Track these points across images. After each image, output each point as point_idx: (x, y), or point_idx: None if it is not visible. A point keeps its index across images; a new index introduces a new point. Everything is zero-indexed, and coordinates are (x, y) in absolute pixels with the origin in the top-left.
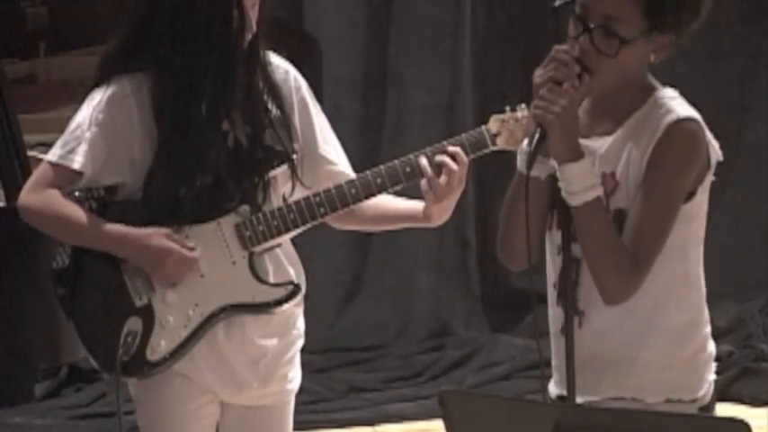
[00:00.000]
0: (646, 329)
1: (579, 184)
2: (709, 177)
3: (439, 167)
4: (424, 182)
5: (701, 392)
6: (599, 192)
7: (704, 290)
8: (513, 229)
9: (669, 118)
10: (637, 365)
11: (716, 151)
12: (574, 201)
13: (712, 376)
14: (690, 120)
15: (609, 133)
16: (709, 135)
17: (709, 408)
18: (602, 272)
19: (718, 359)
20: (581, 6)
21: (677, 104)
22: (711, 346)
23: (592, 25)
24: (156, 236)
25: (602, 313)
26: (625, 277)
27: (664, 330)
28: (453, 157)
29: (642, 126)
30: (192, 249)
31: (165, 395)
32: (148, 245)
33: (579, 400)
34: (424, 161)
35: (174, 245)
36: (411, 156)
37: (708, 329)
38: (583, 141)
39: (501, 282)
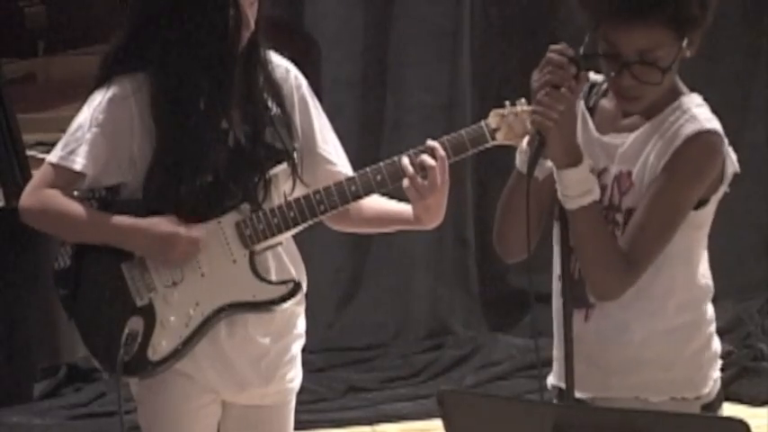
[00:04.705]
0: (648, 329)
1: (576, 189)
2: (724, 188)
3: (421, 166)
4: (405, 181)
5: (706, 390)
6: (595, 196)
7: (711, 290)
8: (508, 224)
9: (691, 128)
10: (640, 365)
11: (733, 163)
12: (570, 204)
13: (717, 373)
14: (711, 132)
15: (632, 129)
16: (727, 146)
17: (713, 405)
18: (594, 270)
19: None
20: (610, 45)
21: (701, 113)
22: (716, 345)
23: (629, 61)
24: (163, 222)
25: (609, 308)
26: (617, 276)
27: (666, 330)
28: (432, 153)
29: (664, 129)
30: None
31: (167, 394)
32: (156, 232)
33: (584, 396)
34: (405, 160)
35: (180, 228)
36: (411, 151)
37: (712, 328)
38: (603, 138)
39: (500, 281)
